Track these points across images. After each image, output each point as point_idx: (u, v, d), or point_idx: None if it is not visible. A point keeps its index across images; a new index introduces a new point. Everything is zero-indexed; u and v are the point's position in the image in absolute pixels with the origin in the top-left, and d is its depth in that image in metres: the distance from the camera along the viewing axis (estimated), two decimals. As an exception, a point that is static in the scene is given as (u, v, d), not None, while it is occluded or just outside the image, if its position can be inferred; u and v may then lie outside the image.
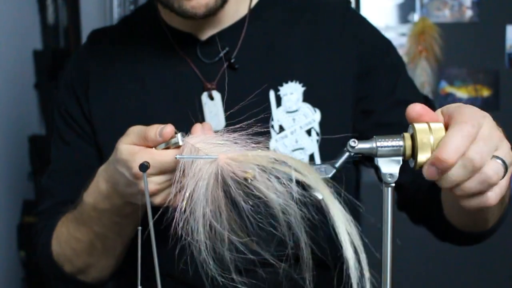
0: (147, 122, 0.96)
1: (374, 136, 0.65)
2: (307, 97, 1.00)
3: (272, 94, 0.99)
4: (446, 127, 0.64)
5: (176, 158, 0.71)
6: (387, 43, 1.08)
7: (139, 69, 1.04)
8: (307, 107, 1.00)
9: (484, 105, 2.24)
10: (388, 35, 2.31)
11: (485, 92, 2.27)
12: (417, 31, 2.26)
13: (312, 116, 1.00)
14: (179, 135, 0.75)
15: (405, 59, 2.29)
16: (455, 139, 0.61)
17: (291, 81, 1.00)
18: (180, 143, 0.74)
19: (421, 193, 0.98)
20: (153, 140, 0.76)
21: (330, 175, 0.68)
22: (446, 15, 2.29)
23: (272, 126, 0.99)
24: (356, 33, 1.04)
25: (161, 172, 0.76)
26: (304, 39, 1.02)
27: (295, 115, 0.99)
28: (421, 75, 2.26)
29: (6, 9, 2.34)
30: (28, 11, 2.54)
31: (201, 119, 0.98)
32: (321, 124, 0.99)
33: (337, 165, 0.69)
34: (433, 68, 2.27)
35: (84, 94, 1.06)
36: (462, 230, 0.94)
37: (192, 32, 1.02)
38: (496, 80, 2.27)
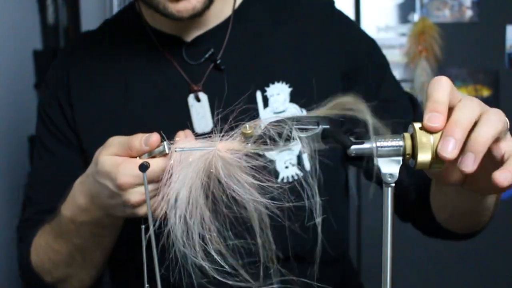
0: (134, 126, 0.96)
1: (374, 136, 0.65)
2: (294, 98, 0.99)
3: (259, 95, 0.99)
4: None
5: (175, 151, 0.69)
6: (372, 42, 1.08)
7: (124, 72, 1.03)
8: (294, 108, 0.99)
9: (484, 105, 2.23)
10: (388, 35, 2.32)
11: (485, 92, 2.26)
12: (417, 31, 2.26)
13: None
14: (165, 143, 0.73)
15: (405, 59, 2.29)
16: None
17: (278, 81, 0.99)
18: (167, 151, 0.72)
19: (413, 192, 0.98)
20: (138, 150, 0.75)
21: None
22: (446, 15, 2.29)
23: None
24: (343, 32, 1.03)
25: (148, 181, 0.74)
26: (290, 38, 1.02)
27: (282, 116, 0.99)
28: (421, 75, 2.26)
29: (6, 9, 2.34)
30: (28, 11, 2.54)
31: (188, 121, 0.98)
32: None
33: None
34: (433, 68, 2.27)
35: (67, 101, 1.04)
36: (453, 231, 0.94)
37: (177, 33, 1.02)
38: (496, 80, 2.27)
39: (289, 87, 0.99)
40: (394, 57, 2.28)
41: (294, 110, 0.99)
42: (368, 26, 2.30)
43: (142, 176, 0.71)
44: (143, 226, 0.74)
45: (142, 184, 0.74)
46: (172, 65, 1.01)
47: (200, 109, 0.99)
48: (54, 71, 1.08)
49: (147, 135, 0.74)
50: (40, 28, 2.59)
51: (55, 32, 2.57)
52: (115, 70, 1.03)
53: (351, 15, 2.27)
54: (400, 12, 2.33)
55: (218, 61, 0.99)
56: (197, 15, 0.94)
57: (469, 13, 2.28)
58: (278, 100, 0.99)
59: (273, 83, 0.99)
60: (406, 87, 2.32)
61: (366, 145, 0.65)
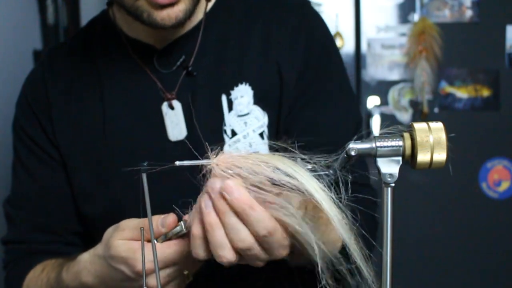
0: (110, 136, 0.95)
1: (374, 136, 0.65)
2: (257, 100, 0.97)
3: (224, 98, 0.97)
4: None
5: (176, 165, 0.68)
6: (329, 48, 1.03)
7: (100, 82, 1.02)
8: (258, 110, 0.97)
9: (484, 105, 2.23)
10: (388, 35, 2.32)
11: (485, 92, 2.26)
12: (417, 31, 2.26)
13: (263, 119, 0.97)
14: (182, 223, 0.71)
15: (405, 59, 2.29)
16: None
17: (241, 83, 0.97)
18: (185, 231, 0.71)
19: None
20: (155, 233, 0.73)
21: (323, 173, 0.66)
22: (446, 15, 2.29)
23: (225, 131, 0.97)
24: (311, 32, 1.00)
25: (167, 265, 0.75)
26: (259, 39, 1.00)
27: (246, 118, 0.97)
28: (421, 75, 2.26)
29: (6, 9, 2.34)
30: (28, 11, 2.54)
31: (162, 129, 0.98)
32: (269, 127, 0.97)
33: (335, 166, 0.68)
34: (433, 68, 2.27)
35: (47, 116, 1.03)
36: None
37: (150, 42, 1.00)
38: (496, 80, 2.27)
39: (252, 89, 0.97)
40: (394, 57, 2.28)
41: (258, 112, 0.97)
42: (368, 26, 2.30)
43: (142, 178, 0.69)
44: (142, 228, 0.73)
45: (164, 267, 0.74)
46: (146, 73, 1.00)
47: (174, 117, 0.98)
48: (29, 89, 1.07)
49: (162, 216, 0.73)
50: (40, 28, 2.59)
51: (55, 32, 2.57)
52: (91, 81, 1.03)
53: (351, 15, 2.27)
54: (400, 12, 2.33)
55: (190, 68, 0.98)
56: (179, 25, 0.92)
57: (469, 13, 2.28)
58: (242, 103, 0.97)
59: (237, 85, 0.98)
60: (406, 87, 2.32)
61: (365, 145, 0.65)
